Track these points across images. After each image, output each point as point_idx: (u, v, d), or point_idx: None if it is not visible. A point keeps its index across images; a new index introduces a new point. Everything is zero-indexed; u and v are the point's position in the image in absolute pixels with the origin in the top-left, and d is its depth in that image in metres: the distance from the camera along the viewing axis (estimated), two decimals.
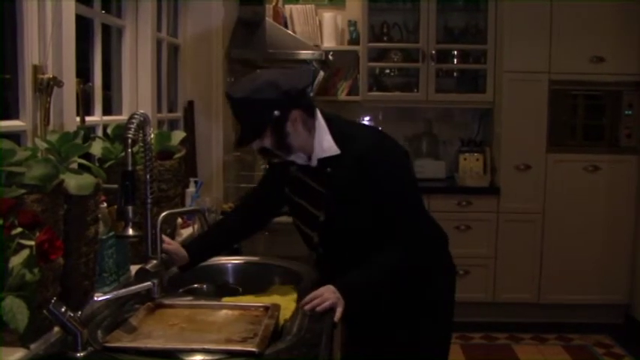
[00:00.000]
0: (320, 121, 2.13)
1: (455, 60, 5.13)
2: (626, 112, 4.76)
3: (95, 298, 1.68)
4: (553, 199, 4.79)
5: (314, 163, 2.14)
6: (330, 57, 5.12)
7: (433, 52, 4.94)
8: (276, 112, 2.02)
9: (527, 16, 4.68)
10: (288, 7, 5.11)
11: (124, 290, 1.75)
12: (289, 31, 4.62)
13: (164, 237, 2.17)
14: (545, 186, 4.80)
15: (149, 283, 1.81)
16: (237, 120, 2.15)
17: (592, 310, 4.84)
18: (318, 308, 1.90)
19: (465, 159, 4.92)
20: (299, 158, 2.15)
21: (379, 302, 2.20)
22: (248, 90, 2.02)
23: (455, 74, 5.27)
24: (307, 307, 1.90)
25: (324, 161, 2.13)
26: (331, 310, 1.91)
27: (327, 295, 1.93)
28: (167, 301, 1.87)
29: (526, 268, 4.75)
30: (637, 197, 4.80)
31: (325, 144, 2.12)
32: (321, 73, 5.13)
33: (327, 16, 5.15)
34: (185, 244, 2.28)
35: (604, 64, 4.71)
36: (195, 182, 3.07)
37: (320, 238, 2.20)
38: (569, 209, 4.76)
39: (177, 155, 2.50)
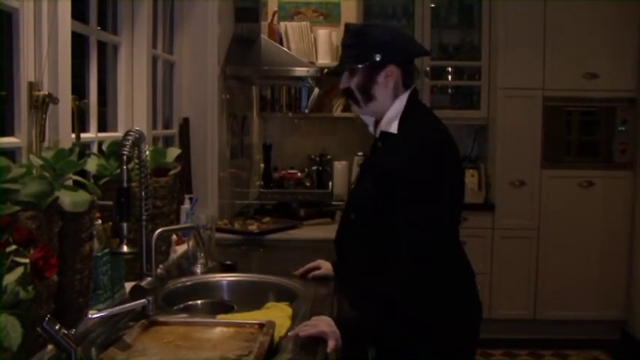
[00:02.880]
0: (404, 97, 2.13)
1: (449, 76, 5.17)
2: (620, 128, 4.79)
3: (89, 316, 1.67)
4: (548, 215, 4.80)
5: (377, 132, 2.18)
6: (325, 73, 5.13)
7: (428, 68, 4.96)
8: (377, 56, 2.08)
9: (521, 33, 4.72)
10: (283, 24, 5.15)
11: (118, 307, 1.75)
12: (284, 48, 4.65)
13: (316, 263, 2.47)
14: (540, 202, 4.81)
15: (144, 300, 1.80)
16: (343, 49, 2.20)
17: (588, 326, 4.83)
18: (301, 334, 1.83)
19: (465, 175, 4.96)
20: (369, 119, 2.21)
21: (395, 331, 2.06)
22: (367, 26, 2.19)
23: (449, 90, 5.29)
24: (300, 334, 1.83)
25: (383, 136, 2.15)
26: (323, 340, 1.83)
27: (321, 326, 1.86)
28: (162, 319, 1.86)
29: (522, 284, 4.75)
30: (632, 212, 4.81)
31: (392, 117, 2.12)
32: (316, 90, 5.16)
33: (322, 33, 5.18)
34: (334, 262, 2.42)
35: (597, 80, 4.74)
36: (190, 199, 3.07)
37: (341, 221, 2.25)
38: (564, 225, 4.77)
39: (173, 172, 2.50)
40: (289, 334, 1.83)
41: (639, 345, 4.66)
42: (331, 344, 1.82)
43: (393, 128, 2.11)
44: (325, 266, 2.47)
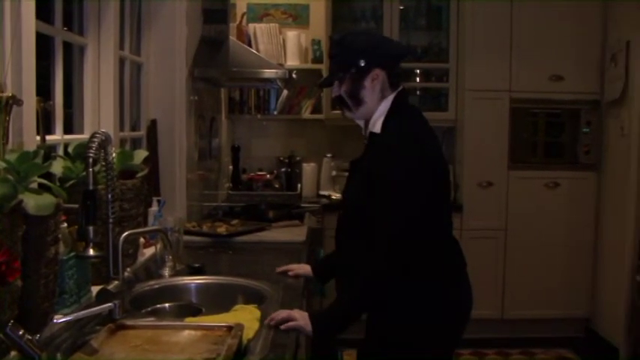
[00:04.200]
0: (391, 98, 2.23)
1: (418, 78, 5.20)
2: (584, 130, 4.87)
3: (55, 320, 1.65)
4: (515, 216, 4.86)
5: (366, 133, 2.28)
6: (294, 75, 5.15)
7: None
8: (362, 61, 2.19)
9: (488, 36, 4.77)
10: (252, 25, 5.14)
11: (84, 312, 1.73)
12: (253, 50, 4.64)
13: (298, 265, 2.62)
14: (508, 202, 4.86)
15: (110, 304, 1.78)
16: (330, 60, 2.33)
17: (554, 324, 4.90)
18: (282, 326, 1.92)
19: None
20: (360, 121, 2.31)
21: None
22: (348, 34, 2.28)
23: (418, 92, 5.33)
24: (272, 323, 1.92)
25: (370, 136, 2.26)
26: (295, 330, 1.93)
27: (296, 316, 1.96)
28: (129, 322, 1.84)
29: (489, 284, 4.79)
30: (596, 212, 4.89)
31: (377, 117, 2.23)
32: (285, 92, 5.17)
33: (291, 34, 5.18)
34: (312, 265, 2.62)
35: (563, 82, 4.81)
36: (158, 201, 3.05)
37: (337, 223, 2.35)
38: (530, 225, 4.83)
39: (140, 174, 2.48)
40: (271, 322, 1.92)
41: (603, 342, 4.73)
42: (293, 322, 1.94)
43: (377, 128, 2.21)
44: (305, 268, 2.62)
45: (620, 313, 4.48)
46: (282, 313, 1.96)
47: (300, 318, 1.97)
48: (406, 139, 2.14)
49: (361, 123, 2.33)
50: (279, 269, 2.59)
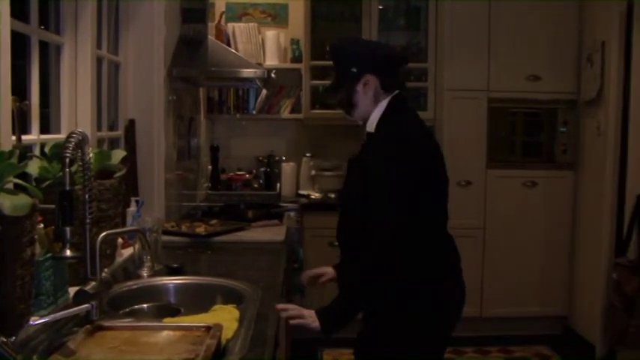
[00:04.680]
0: (386, 101, 2.34)
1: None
2: (561, 129, 4.92)
3: (31, 322, 1.64)
4: (493, 215, 4.89)
5: (364, 133, 2.39)
6: (273, 75, 5.13)
7: None
8: (354, 68, 2.31)
9: (467, 36, 4.80)
10: (230, 25, 5.13)
11: (61, 313, 1.71)
12: (232, 50, 4.63)
13: (325, 268, 2.62)
14: (486, 201, 4.89)
15: (88, 305, 1.77)
16: (333, 67, 2.45)
17: (532, 322, 4.95)
18: (292, 321, 2.16)
19: None
20: (360, 121, 2.44)
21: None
22: (343, 41, 2.47)
23: None
24: (284, 315, 2.14)
25: (367, 136, 2.38)
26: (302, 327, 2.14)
27: (305, 314, 2.15)
28: (107, 323, 1.83)
29: (468, 282, 4.76)
30: (573, 211, 4.94)
31: (373, 119, 2.35)
32: (264, 91, 5.16)
33: (270, 34, 5.18)
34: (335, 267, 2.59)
35: (540, 82, 4.86)
36: (137, 201, 3.03)
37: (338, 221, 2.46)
38: (509, 224, 4.86)
39: (118, 174, 2.47)
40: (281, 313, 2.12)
41: (580, 339, 4.78)
42: (302, 320, 2.14)
43: (372, 128, 2.35)
44: (328, 270, 2.64)
45: (597, 311, 4.53)
46: (294, 311, 2.15)
47: (308, 316, 2.14)
48: (398, 139, 2.24)
49: (361, 123, 2.45)
50: (308, 273, 2.69)
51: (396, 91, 2.36)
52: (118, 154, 2.53)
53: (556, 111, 4.93)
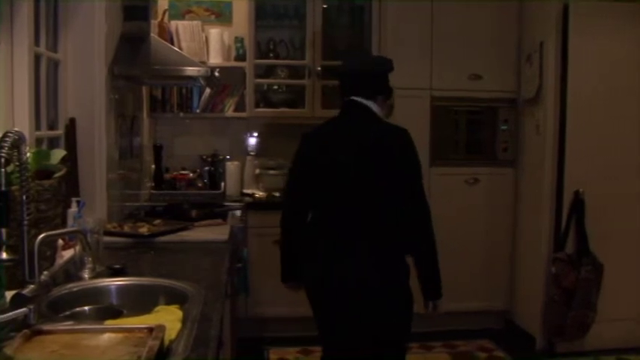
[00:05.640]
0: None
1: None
2: (502, 127, 5.02)
3: None
4: (437, 212, 4.88)
5: None
6: (217, 73, 5.11)
7: (319, 68, 5.02)
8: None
9: (409, 35, 4.85)
10: (174, 23, 5.07)
11: None
12: (175, 48, 4.59)
13: None
14: (430, 199, 4.93)
15: (25, 309, 1.73)
16: None
17: (475, 316, 5.04)
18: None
19: None
20: None
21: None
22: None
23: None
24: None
25: None
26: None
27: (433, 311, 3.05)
28: (46, 327, 1.80)
29: (411, 279, 4.86)
30: (513, 208, 5.05)
31: None
32: (208, 90, 5.13)
33: (214, 32, 5.14)
34: None
35: (481, 81, 4.94)
36: (78, 202, 2.97)
37: None
38: (452, 221, 4.92)
39: (58, 174, 2.42)
40: None
41: (521, 332, 4.90)
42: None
43: None
44: None
45: (537, 304, 4.65)
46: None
47: (434, 309, 3.09)
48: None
49: None
50: None
51: (347, 99, 2.93)
52: (58, 154, 2.49)
53: (497, 109, 5.03)
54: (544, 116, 4.63)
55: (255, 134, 5.42)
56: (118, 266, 2.56)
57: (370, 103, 2.92)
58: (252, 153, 5.34)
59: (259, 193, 5.05)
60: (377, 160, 2.81)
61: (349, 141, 2.85)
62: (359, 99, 2.89)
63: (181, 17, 5.23)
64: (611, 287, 4.54)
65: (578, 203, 4.50)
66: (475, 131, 5.05)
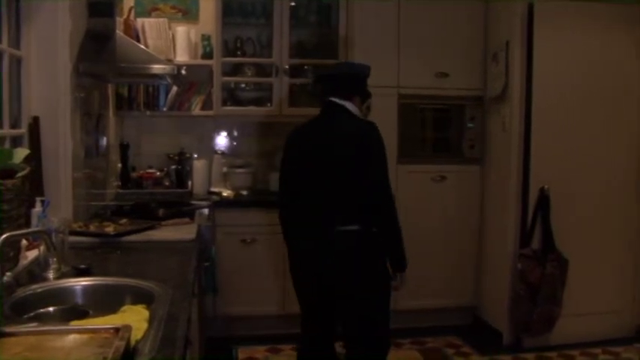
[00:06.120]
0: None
1: (308, 74, 5.24)
2: (469, 125, 5.06)
3: None
4: (404, 209, 4.93)
5: None
6: (184, 71, 5.09)
7: (286, 66, 5.02)
8: None
9: (377, 33, 4.87)
10: (140, 20, 5.02)
11: None
12: (141, 45, 4.55)
13: None
14: (397, 196, 4.96)
15: None
16: None
17: (443, 313, 5.08)
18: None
19: None
20: None
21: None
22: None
23: (308, 88, 5.37)
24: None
25: None
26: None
27: (399, 284, 3.36)
28: (9, 329, 1.77)
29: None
30: (480, 205, 5.09)
31: None
32: (175, 88, 5.09)
33: (181, 30, 5.10)
34: None
35: (448, 79, 4.98)
36: (42, 201, 2.93)
37: None
38: (419, 218, 4.95)
39: (21, 174, 2.39)
40: None
41: (489, 328, 4.95)
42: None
43: None
44: None
45: (503, 300, 4.70)
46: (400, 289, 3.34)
47: (401, 282, 3.38)
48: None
49: None
50: None
51: (327, 99, 3.31)
52: (21, 153, 2.45)
53: (464, 107, 5.07)
54: (510, 114, 4.68)
55: (223, 132, 5.40)
56: (83, 266, 2.53)
57: (346, 103, 3.26)
58: (219, 151, 5.32)
59: (227, 192, 5.03)
60: (344, 149, 3.14)
61: (323, 135, 3.23)
62: (335, 99, 3.27)
63: (147, 15, 5.18)
64: (575, 282, 4.61)
65: (544, 200, 4.57)
66: (442, 129, 5.08)
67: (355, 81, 3.35)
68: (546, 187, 4.56)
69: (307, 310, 3.42)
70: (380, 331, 3.29)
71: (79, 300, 2.35)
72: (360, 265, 3.15)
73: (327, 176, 3.16)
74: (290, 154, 3.35)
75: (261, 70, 5.17)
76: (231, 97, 5.26)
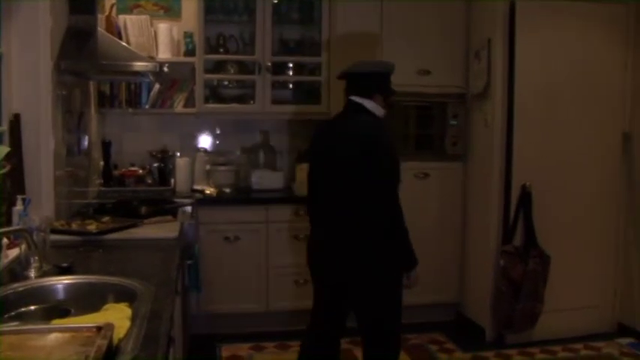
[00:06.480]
0: None
1: (290, 72, 5.23)
2: (452, 122, 5.08)
3: None
4: None
5: None
6: (166, 69, 5.06)
7: (269, 64, 5.01)
8: None
9: (359, 31, 4.87)
10: (122, 17, 4.99)
11: None
12: (123, 42, 4.53)
13: None
14: None
15: None
16: None
17: (427, 310, 5.10)
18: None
19: (302, 169, 5.01)
20: None
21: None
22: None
23: (291, 86, 5.37)
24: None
25: None
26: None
27: (413, 281, 3.36)
28: None
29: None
30: (463, 201, 5.12)
31: None
32: (157, 85, 5.07)
33: (163, 27, 5.08)
34: None
35: (430, 76, 4.99)
36: (23, 200, 2.91)
37: None
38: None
39: (1, 171, 2.37)
40: None
41: (472, 324, 4.98)
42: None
43: None
44: None
45: (486, 297, 4.73)
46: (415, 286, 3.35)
47: (414, 279, 3.36)
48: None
49: None
50: None
51: (348, 98, 3.35)
52: (2, 151, 2.44)
53: (446, 104, 5.09)
54: (492, 111, 4.71)
55: (206, 130, 5.38)
56: (65, 265, 2.52)
57: (365, 101, 3.27)
58: (202, 149, 5.31)
59: (210, 189, 5.01)
60: (348, 149, 3.15)
61: (334, 133, 3.32)
62: (355, 98, 3.30)
63: (129, 12, 5.15)
64: (557, 278, 4.64)
65: (526, 197, 4.60)
66: (425, 126, 5.10)
67: (376, 79, 3.35)
68: (528, 183, 4.59)
69: (318, 304, 3.46)
70: (390, 328, 3.31)
71: (61, 298, 2.34)
72: (371, 263, 3.16)
73: (336, 175, 3.21)
74: (311, 151, 3.45)
75: (244, 68, 5.16)
76: (214, 94, 5.24)
